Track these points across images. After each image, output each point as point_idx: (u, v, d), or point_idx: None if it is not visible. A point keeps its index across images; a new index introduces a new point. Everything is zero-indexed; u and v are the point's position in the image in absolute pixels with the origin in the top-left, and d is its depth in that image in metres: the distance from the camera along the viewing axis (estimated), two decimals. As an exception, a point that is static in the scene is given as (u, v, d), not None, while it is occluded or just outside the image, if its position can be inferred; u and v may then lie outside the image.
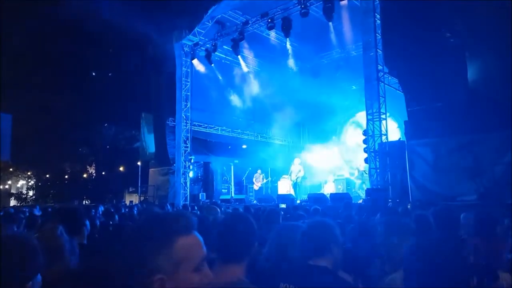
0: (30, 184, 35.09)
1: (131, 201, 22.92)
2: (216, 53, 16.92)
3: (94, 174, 35.20)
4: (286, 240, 2.48)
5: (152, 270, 1.11)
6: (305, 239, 2.19)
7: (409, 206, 9.24)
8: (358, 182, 15.93)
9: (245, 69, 18.65)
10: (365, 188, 13.17)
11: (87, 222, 3.82)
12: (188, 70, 17.54)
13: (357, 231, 3.59)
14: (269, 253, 2.54)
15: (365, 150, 12.12)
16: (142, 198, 20.55)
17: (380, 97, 11.75)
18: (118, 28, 28.55)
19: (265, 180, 18.08)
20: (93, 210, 7.43)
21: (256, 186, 18.02)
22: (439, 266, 1.40)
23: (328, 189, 16.26)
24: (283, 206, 10.84)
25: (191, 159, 17.08)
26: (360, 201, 12.04)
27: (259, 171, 18.12)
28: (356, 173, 16.23)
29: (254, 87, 18.91)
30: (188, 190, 16.90)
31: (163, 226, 1.19)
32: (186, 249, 1.19)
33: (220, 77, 18.43)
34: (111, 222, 5.53)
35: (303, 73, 18.38)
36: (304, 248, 2.17)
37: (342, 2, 12.86)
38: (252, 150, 19.89)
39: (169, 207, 7.90)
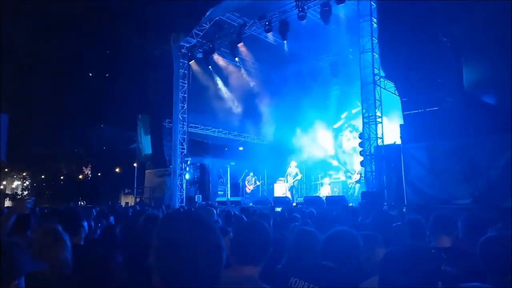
0: (25, 184, 34.92)
1: (126, 203, 22.85)
2: (213, 55, 16.94)
3: (90, 175, 35.04)
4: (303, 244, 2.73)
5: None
6: (328, 246, 2.40)
7: (404, 209, 9.30)
8: (357, 186, 15.72)
9: (242, 71, 18.67)
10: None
11: (85, 224, 3.81)
12: (185, 71, 17.54)
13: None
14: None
15: (361, 153, 12.15)
16: (138, 200, 20.50)
17: (376, 101, 11.80)
18: (116, 29, 28.60)
19: (258, 183, 17.99)
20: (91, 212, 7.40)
21: (248, 189, 17.87)
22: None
23: (324, 192, 16.27)
24: (278, 209, 10.84)
25: (187, 160, 17.05)
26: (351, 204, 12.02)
27: (251, 174, 17.99)
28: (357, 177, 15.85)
29: (251, 89, 18.93)
30: (184, 192, 16.85)
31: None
32: None
33: (217, 79, 18.44)
34: (99, 225, 5.51)
35: (300, 76, 18.41)
36: (327, 256, 2.35)
37: (339, 6, 12.92)
38: (248, 152, 19.88)
39: (164, 209, 7.89)
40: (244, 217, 6.43)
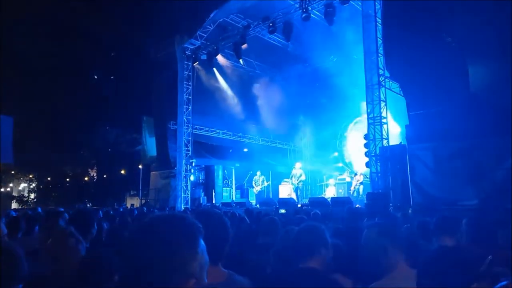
0: (31, 187, 35.16)
1: (132, 205, 22.94)
2: (217, 56, 16.97)
3: (95, 177, 35.23)
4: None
5: (188, 274, 1.09)
6: (295, 243, 2.35)
7: (410, 211, 9.25)
8: (361, 187, 15.64)
9: (246, 72, 18.67)
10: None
11: (95, 227, 3.80)
12: (190, 73, 17.57)
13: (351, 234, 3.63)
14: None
15: (366, 154, 12.11)
16: (143, 202, 20.59)
17: (381, 101, 11.76)
18: (120, 31, 28.73)
19: (266, 183, 17.89)
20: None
21: (255, 190, 17.76)
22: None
23: (329, 193, 16.22)
24: (283, 211, 10.83)
25: (192, 162, 17.08)
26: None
27: (258, 173, 17.67)
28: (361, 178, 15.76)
29: (255, 90, 18.93)
30: (189, 194, 16.88)
31: (192, 228, 1.16)
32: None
33: (222, 81, 18.47)
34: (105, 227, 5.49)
35: (305, 77, 18.40)
36: (294, 252, 2.33)
37: (344, 6, 12.91)
38: (253, 153, 19.88)
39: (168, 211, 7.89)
40: (247, 218, 6.43)
